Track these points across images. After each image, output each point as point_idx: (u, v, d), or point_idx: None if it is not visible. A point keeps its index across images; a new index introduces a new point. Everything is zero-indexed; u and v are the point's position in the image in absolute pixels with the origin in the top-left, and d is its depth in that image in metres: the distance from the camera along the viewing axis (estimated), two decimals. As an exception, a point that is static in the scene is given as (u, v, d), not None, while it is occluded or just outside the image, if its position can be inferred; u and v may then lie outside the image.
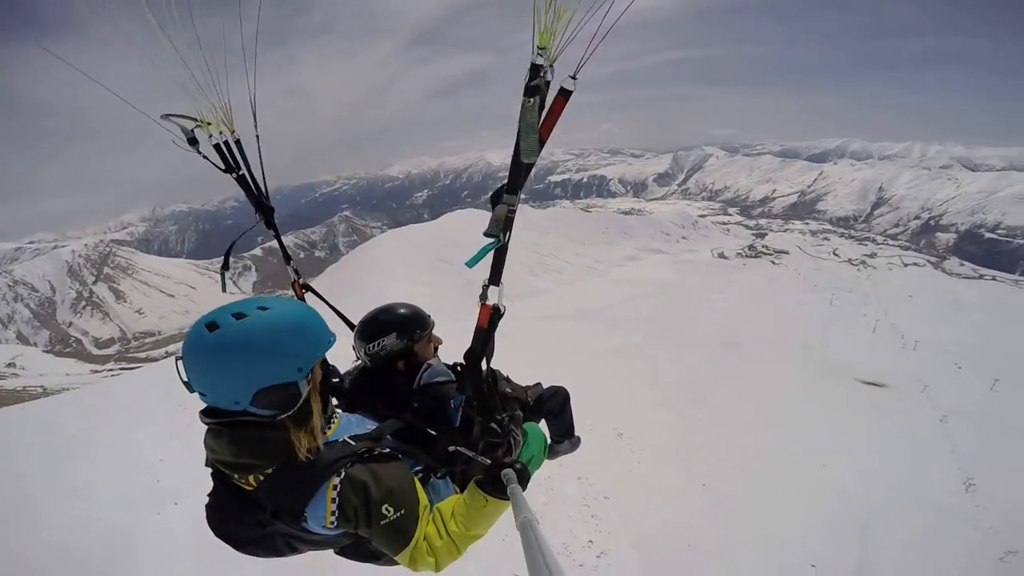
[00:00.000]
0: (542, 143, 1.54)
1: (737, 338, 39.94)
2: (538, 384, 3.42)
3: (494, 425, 2.42)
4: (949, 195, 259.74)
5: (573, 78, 1.46)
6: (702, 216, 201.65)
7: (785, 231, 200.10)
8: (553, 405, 3.42)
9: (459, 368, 2.47)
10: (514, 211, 1.73)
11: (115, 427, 13.21)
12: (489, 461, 2.07)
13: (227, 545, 1.75)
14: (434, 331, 2.71)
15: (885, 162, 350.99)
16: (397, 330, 2.52)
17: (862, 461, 21.29)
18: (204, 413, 1.65)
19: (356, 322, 2.67)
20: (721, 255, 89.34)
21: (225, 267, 2.80)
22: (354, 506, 1.65)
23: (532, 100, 1.48)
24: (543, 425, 3.39)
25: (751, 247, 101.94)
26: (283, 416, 1.61)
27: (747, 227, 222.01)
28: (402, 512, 1.71)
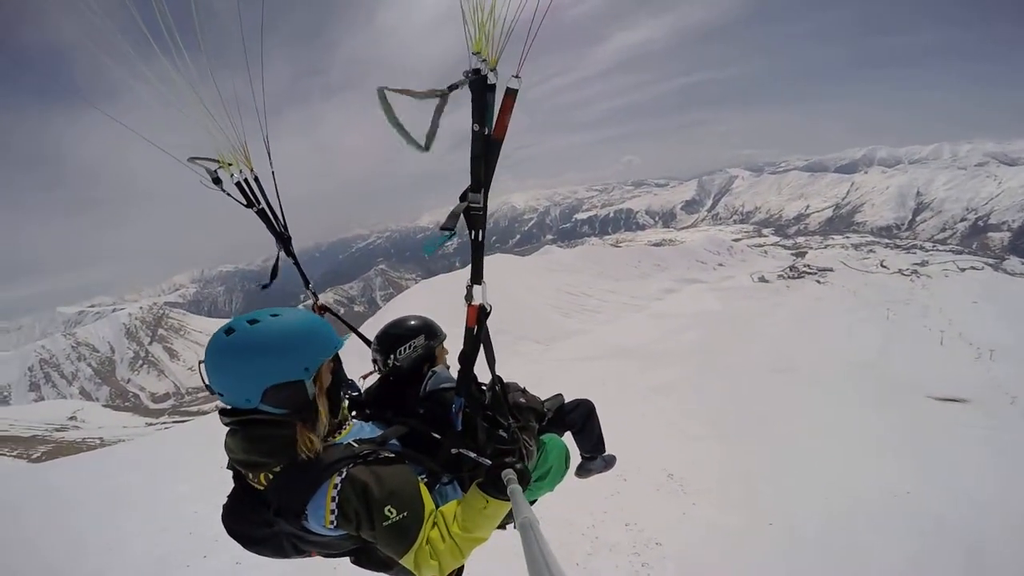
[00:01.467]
0: (498, 141, 1.60)
1: (791, 363, 37.77)
2: (558, 395, 3.36)
3: (501, 432, 2.39)
4: (992, 193, 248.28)
5: (516, 77, 1.50)
6: (736, 240, 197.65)
7: (826, 247, 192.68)
8: (576, 417, 3.35)
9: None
10: (477, 207, 1.72)
11: (157, 480, 13.45)
12: (490, 462, 2.03)
13: (238, 543, 1.84)
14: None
15: (916, 166, 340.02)
16: (424, 332, 2.67)
17: (956, 486, 19.02)
18: (222, 413, 1.75)
19: (372, 339, 2.78)
20: (762, 279, 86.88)
21: (272, 276, 3.03)
22: (354, 506, 1.67)
23: (444, 95, 1.54)
24: (568, 438, 3.33)
25: (792, 267, 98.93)
26: (292, 415, 1.72)
27: (785, 247, 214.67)
28: (405, 514, 1.72)
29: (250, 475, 1.77)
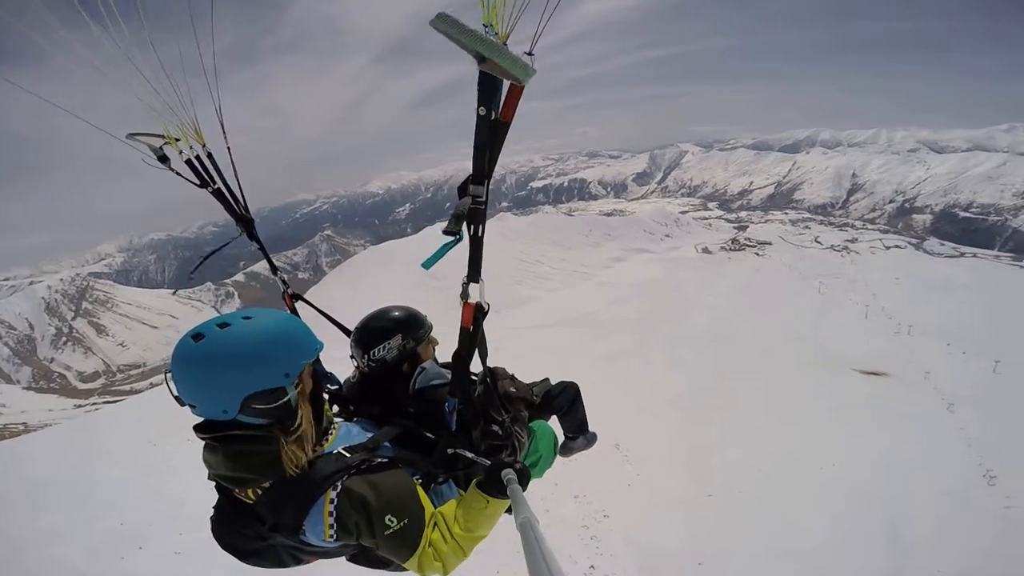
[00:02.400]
0: (506, 124, 1.45)
1: (731, 334, 39.36)
2: (545, 380, 3.32)
3: (495, 427, 2.31)
4: (920, 177, 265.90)
5: (530, 54, 1.34)
6: (683, 213, 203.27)
7: (766, 222, 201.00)
8: (562, 401, 3.30)
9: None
10: (481, 202, 1.57)
11: (86, 467, 12.60)
12: (489, 462, 2.00)
13: (232, 556, 1.78)
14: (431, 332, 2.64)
15: (855, 149, 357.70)
16: (401, 332, 2.46)
17: (874, 455, 20.50)
18: (198, 428, 1.65)
19: (352, 329, 2.58)
20: (706, 250, 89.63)
21: (195, 269, 2.87)
22: (354, 519, 1.63)
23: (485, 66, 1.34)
24: (554, 422, 3.32)
25: (734, 240, 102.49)
26: (274, 426, 1.63)
27: (728, 221, 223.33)
28: (405, 521, 1.68)
29: (236, 490, 1.69)
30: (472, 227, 1.65)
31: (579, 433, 3.57)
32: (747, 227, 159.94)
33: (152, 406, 15.74)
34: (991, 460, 19.86)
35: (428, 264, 1.74)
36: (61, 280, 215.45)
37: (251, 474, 1.62)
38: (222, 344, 1.53)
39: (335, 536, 1.64)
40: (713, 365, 29.78)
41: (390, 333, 2.45)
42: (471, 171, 1.57)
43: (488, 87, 1.38)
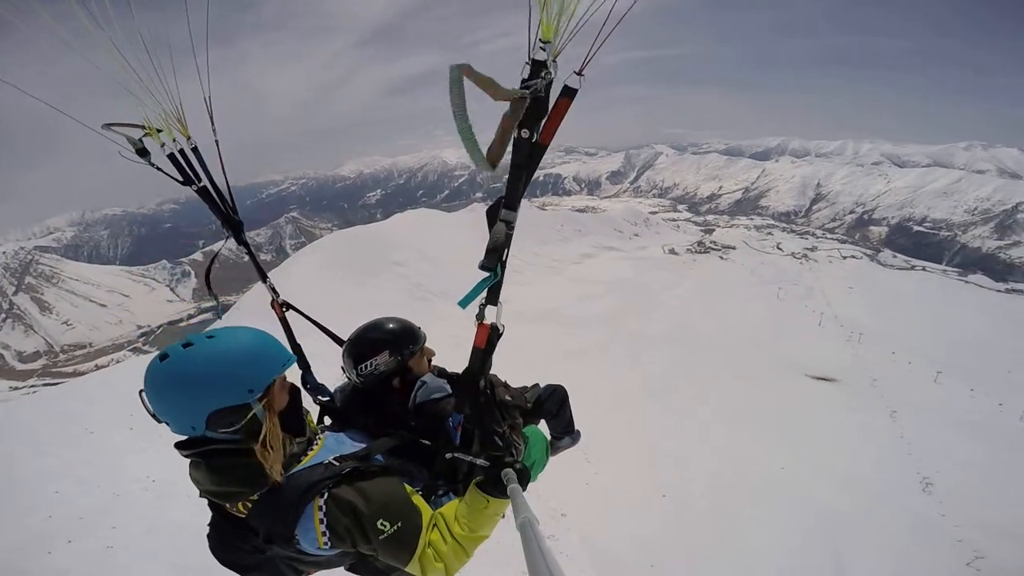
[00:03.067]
0: (543, 148, 1.42)
1: (692, 335, 40.07)
2: (536, 385, 3.39)
3: (496, 439, 2.20)
4: (880, 190, 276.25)
5: (579, 75, 1.30)
6: (653, 213, 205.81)
7: (731, 227, 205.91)
8: (552, 405, 3.36)
9: (455, 377, 2.49)
10: (513, 229, 1.56)
11: (13, 456, 11.54)
12: (488, 463, 2.01)
13: (232, 572, 1.80)
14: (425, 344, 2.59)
15: (822, 159, 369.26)
16: (389, 348, 2.43)
17: (822, 461, 21.18)
18: (178, 445, 1.68)
19: (345, 338, 2.55)
20: (672, 251, 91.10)
21: (212, 293, 2.72)
22: (345, 525, 1.65)
23: (524, 99, 1.32)
24: (543, 425, 3.36)
25: (700, 243, 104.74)
26: (245, 440, 1.65)
27: (696, 223, 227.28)
28: (399, 525, 1.70)
29: (227, 505, 1.72)
30: (500, 266, 1.62)
31: (565, 433, 3.65)
32: (713, 230, 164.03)
33: (93, 391, 14.83)
34: (928, 468, 20.79)
35: (464, 303, 1.69)
36: (3, 253, 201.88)
37: (237, 487, 1.66)
38: (183, 364, 1.58)
39: (329, 544, 1.65)
40: (672, 366, 30.26)
41: (381, 348, 2.42)
42: (504, 195, 1.51)
43: (532, 114, 1.33)
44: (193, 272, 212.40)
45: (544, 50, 1.27)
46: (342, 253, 56.34)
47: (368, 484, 1.74)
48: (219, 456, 1.66)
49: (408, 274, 55.49)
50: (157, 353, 1.64)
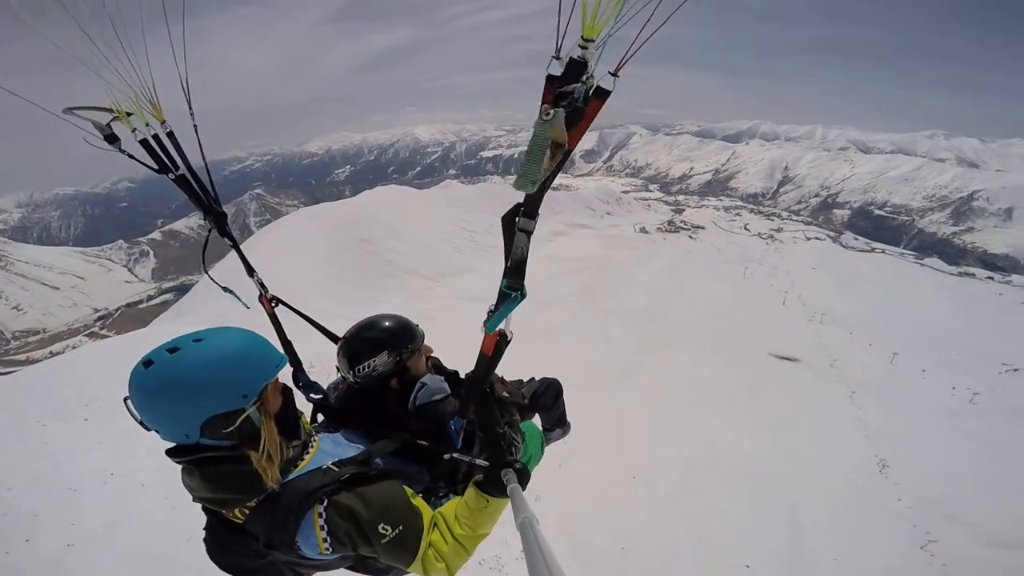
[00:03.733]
0: (567, 155, 1.26)
1: (660, 313, 40.38)
2: (531, 380, 3.39)
3: (498, 441, 2.21)
4: (845, 175, 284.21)
5: (614, 75, 1.17)
6: (625, 192, 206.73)
7: (701, 207, 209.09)
8: (546, 399, 3.37)
9: (454, 377, 2.49)
10: (531, 237, 1.46)
11: None
12: (487, 463, 2.02)
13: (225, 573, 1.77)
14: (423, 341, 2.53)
15: (791, 143, 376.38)
16: (387, 348, 2.35)
17: (784, 442, 21.55)
18: (169, 453, 1.64)
19: (339, 335, 2.47)
20: (643, 230, 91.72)
21: (226, 289, 2.63)
22: (346, 531, 1.65)
23: (555, 111, 1.14)
24: (536, 419, 3.35)
25: (670, 222, 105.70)
26: (242, 446, 1.62)
27: (666, 203, 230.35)
28: (400, 528, 1.70)
29: (223, 511, 1.68)
30: (523, 284, 1.55)
31: (557, 426, 3.66)
32: (683, 210, 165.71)
33: (47, 379, 13.96)
34: (884, 449, 21.46)
35: (491, 327, 1.63)
36: None
37: (233, 494, 1.62)
38: (172, 371, 1.50)
39: (331, 549, 1.64)
40: (642, 344, 30.44)
41: (379, 348, 2.33)
42: (523, 202, 1.40)
43: (569, 121, 1.20)
44: (152, 252, 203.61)
45: (585, 48, 1.10)
46: (308, 231, 54.65)
47: (368, 489, 1.72)
48: (213, 463, 1.61)
49: (377, 251, 54.31)
50: (141, 358, 1.53)
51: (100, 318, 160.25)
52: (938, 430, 23.83)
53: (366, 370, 2.32)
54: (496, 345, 1.80)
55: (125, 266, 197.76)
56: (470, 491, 1.90)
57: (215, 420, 1.55)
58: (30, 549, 7.31)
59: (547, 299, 40.08)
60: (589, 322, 34.55)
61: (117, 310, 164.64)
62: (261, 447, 1.63)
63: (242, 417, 1.59)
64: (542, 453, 3.03)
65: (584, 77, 1.15)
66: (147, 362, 1.51)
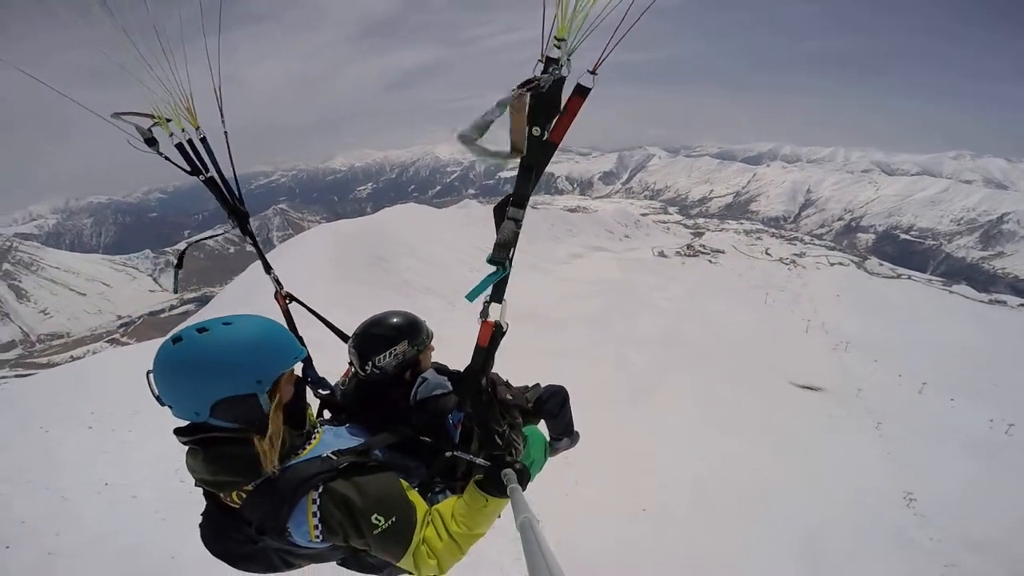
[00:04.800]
0: (554, 146, 1.42)
1: (678, 338, 39.67)
2: (536, 385, 3.38)
3: (496, 438, 2.25)
4: (869, 198, 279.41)
5: (592, 73, 1.29)
6: (644, 215, 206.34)
7: (721, 230, 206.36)
8: (552, 406, 3.35)
9: (456, 376, 2.48)
10: (520, 226, 1.57)
11: None
12: (488, 462, 2.03)
13: (223, 563, 1.80)
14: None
15: (813, 165, 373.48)
16: (407, 337, 2.46)
17: (806, 474, 20.69)
18: (178, 432, 1.69)
19: (349, 334, 2.57)
20: (661, 254, 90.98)
21: (179, 265, 2.65)
22: (338, 520, 1.66)
23: (517, 90, 1.31)
24: (542, 425, 3.36)
25: (690, 246, 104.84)
26: (246, 430, 1.66)
27: (686, 226, 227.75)
28: (394, 519, 1.70)
29: (221, 494, 1.72)
30: (508, 260, 1.63)
31: (564, 434, 3.64)
32: (703, 234, 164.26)
33: (57, 385, 14.13)
34: (912, 482, 20.48)
35: (472, 296, 1.65)
36: None
37: (232, 476, 1.65)
38: (197, 349, 1.58)
39: (321, 537, 1.65)
40: (656, 369, 29.82)
41: (395, 340, 2.43)
42: (512, 193, 1.51)
43: (543, 111, 1.34)
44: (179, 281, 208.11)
45: (559, 48, 1.25)
46: (327, 247, 55.22)
47: (364, 479, 1.73)
48: (217, 444, 1.65)
49: (393, 269, 54.58)
50: (170, 335, 1.64)
51: (122, 325, 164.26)
52: (971, 463, 22.72)
53: (388, 358, 2.40)
54: (492, 336, 1.83)
55: (150, 275, 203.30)
56: (469, 489, 1.91)
57: (226, 402, 1.60)
58: (8, 556, 7.16)
59: (561, 321, 39.69)
60: (604, 346, 34.03)
61: (140, 318, 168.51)
62: (268, 433, 1.68)
63: (253, 403, 1.65)
64: (545, 459, 2.98)
65: (551, 69, 1.27)
66: (176, 339, 1.60)
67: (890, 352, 38.35)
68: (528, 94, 1.29)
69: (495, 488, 1.86)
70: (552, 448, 3.59)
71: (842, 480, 20.04)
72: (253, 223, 2.70)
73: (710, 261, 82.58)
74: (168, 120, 2.24)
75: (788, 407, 27.47)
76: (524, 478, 1.85)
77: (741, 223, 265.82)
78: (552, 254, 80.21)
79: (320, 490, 1.66)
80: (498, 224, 1.58)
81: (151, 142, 2.27)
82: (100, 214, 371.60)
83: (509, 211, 1.53)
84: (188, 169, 2.38)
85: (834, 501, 18.42)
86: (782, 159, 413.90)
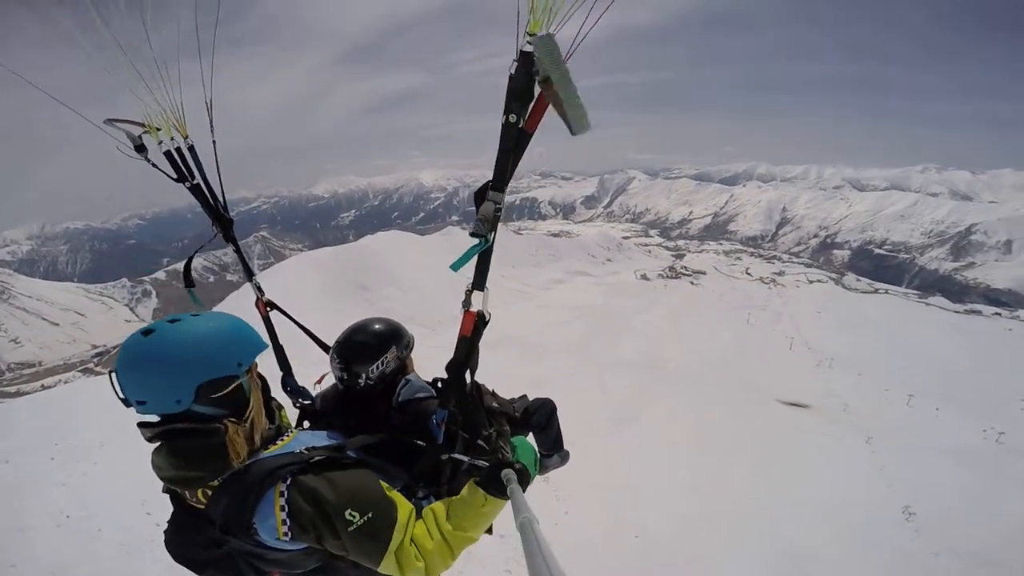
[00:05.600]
0: (528, 135, 1.52)
1: (661, 361, 39.60)
2: (524, 397, 3.35)
3: (481, 442, 2.25)
4: (842, 214, 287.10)
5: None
6: (625, 238, 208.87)
7: (701, 252, 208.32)
8: (540, 418, 3.29)
9: (439, 383, 2.43)
10: (501, 208, 1.65)
11: None
12: (486, 463, 2.01)
13: (188, 570, 1.74)
14: None
15: (787, 184, 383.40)
16: (395, 344, 2.43)
17: (797, 493, 20.38)
18: (142, 426, 1.63)
19: (328, 343, 2.57)
20: (644, 277, 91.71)
21: (190, 284, 2.64)
22: (308, 514, 1.57)
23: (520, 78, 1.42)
24: (531, 439, 3.10)
25: (671, 268, 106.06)
26: (227, 416, 1.63)
27: (667, 248, 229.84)
28: (370, 515, 1.60)
29: (187, 494, 1.64)
30: (490, 233, 1.66)
31: (554, 450, 3.56)
32: (684, 255, 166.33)
33: (22, 414, 13.47)
34: (908, 496, 20.33)
35: (456, 266, 1.68)
36: None
37: (197, 471, 1.57)
38: (175, 334, 1.55)
39: (289, 534, 1.55)
40: (640, 393, 29.54)
41: (386, 346, 2.39)
42: (491, 177, 1.59)
43: (519, 97, 1.42)
44: (155, 292, 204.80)
45: (531, 44, 1.35)
46: (308, 275, 54.61)
47: (337, 473, 1.64)
48: (184, 436, 1.57)
49: (375, 299, 54.06)
50: (137, 331, 1.58)
51: (97, 355, 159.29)
52: (966, 474, 22.67)
53: (381, 367, 2.35)
54: (475, 326, 1.82)
55: (127, 305, 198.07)
56: (468, 488, 1.83)
57: (210, 384, 1.56)
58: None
59: (543, 349, 39.43)
60: (586, 372, 33.77)
61: (115, 348, 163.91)
62: (247, 415, 1.66)
63: (235, 384, 1.62)
64: (535, 472, 2.67)
65: (521, 52, 1.37)
66: (147, 331, 1.55)
67: (874, 366, 38.70)
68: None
69: (494, 488, 1.78)
70: (543, 465, 3.51)
71: (836, 497, 19.78)
72: (233, 252, 2.74)
73: (692, 283, 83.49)
74: (158, 129, 2.29)
75: (775, 426, 27.33)
76: (524, 478, 1.79)
77: (721, 243, 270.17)
78: (534, 280, 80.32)
79: (288, 481, 1.57)
80: (479, 207, 1.63)
81: (140, 149, 2.34)
82: (76, 240, 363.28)
83: (489, 194, 1.60)
84: (175, 176, 2.41)
85: (829, 520, 18.11)
86: (758, 178, 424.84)
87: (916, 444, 25.47)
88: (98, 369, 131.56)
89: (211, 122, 2.41)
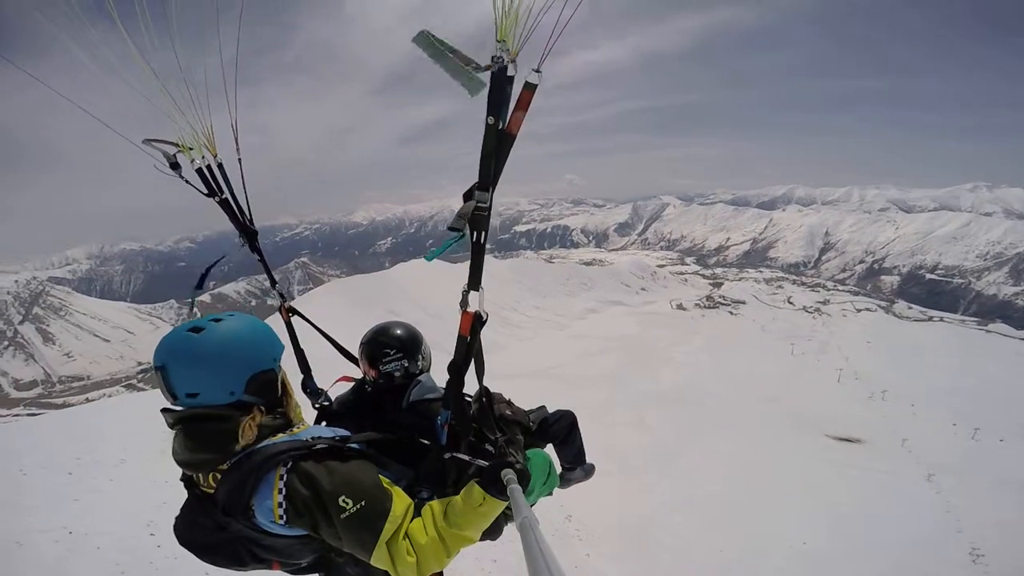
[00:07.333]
0: (512, 136, 1.58)
1: (701, 395, 38.00)
2: (542, 407, 3.29)
3: (488, 447, 2.26)
4: (889, 237, 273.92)
5: (537, 71, 1.50)
6: (660, 266, 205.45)
7: (740, 280, 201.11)
8: (559, 430, 3.22)
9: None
10: (484, 207, 1.69)
11: None
12: (487, 463, 1.98)
13: (191, 553, 1.80)
14: None
15: (828, 207, 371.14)
16: (423, 341, 2.65)
17: (852, 535, 18.69)
18: (166, 412, 1.72)
19: (348, 350, 2.75)
20: (680, 306, 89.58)
21: (199, 286, 2.81)
22: (303, 498, 1.61)
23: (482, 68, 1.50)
24: (550, 450, 3.22)
25: (709, 297, 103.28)
26: (266, 403, 1.79)
27: (704, 276, 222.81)
28: (363, 503, 1.63)
29: (200, 478, 1.72)
30: (475, 233, 1.70)
31: (576, 463, 3.46)
32: (722, 284, 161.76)
33: (51, 428, 13.68)
34: (975, 535, 18.42)
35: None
36: (16, 282, 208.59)
37: (208, 453, 1.65)
38: (225, 332, 1.70)
39: (285, 518, 1.60)
40: (679, 429, 28.17)
41: (420, 342, 2.62)
42: (478, 180, 1.63)
43: (497, 99, 1.48)
44: (200, 314, 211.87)
45: (502, 50, 1.44)
46: (338, 304, 55.69)
47: (336, 462, 1.70)
48: (200, 422, 1.66)
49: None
50: (180, 328, 1.71)
51: (142, 371, 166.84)
52: None
53: (422, 363, 2.60)
54: (472, 326, 1.85)
55: (173, 325, 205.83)
56: (468, 487, 1.81)
57: (259, 376, 1.73)
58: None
59: (575, 381, 38.49)
60: (621, 406, 32.62)
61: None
62: (283, 402, 1.85)
63: (273, 377, 1.80)
64: (548, 487, 2.61)
65: (493, 57, 1.44)
66: (196, 329, 1.67)
67: (930, 398, 36.19)
68: (478, 70, 1.46)
69: (494, 488, 1.73)
70: (565, 479, 3.44)
71: (896, 539, 18.09)
72: (275, 276, 2.85)
73: (731, 312, 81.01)
74: (191, 148, 2.45)
75: (825, 462, 25.55)
76: (525, 479, 1.76)
77: (760, 271, 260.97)
78: (567, 309, 79.45)
79: (289, 465, 1.63)
80: (464, 201, 1.67)
81: (175, 166, 2.50)
82: (131, 261, 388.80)
83: (475, 195, 1.63)
84: (206, 191, 2.57)
85: (891, 563, 16.51)
86: (797, 202, 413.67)
87: (981, 480, 23.35)
88: (140, 385, 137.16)
89: (236, 141, 2.56)
